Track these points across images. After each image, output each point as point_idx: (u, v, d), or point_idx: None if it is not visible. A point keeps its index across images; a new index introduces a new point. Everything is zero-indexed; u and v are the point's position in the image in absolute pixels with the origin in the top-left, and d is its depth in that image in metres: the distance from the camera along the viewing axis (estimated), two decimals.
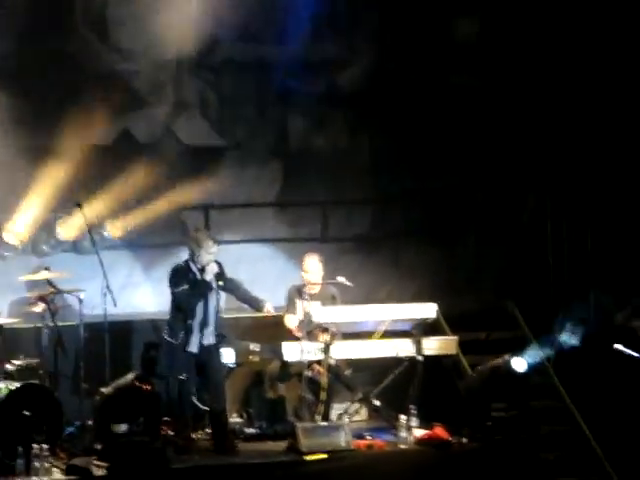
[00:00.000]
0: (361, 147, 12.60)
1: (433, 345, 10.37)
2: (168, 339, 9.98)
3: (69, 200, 11.30)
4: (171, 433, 10.22)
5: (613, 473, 10.52)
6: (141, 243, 12.13)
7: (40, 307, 10.30)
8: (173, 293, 9.99)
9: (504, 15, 12.48)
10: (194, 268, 9.97)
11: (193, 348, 9.92)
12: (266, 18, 12.29)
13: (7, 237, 11.49)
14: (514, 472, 9.90)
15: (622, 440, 10.55)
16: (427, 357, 10.29)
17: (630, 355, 10.14)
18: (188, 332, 9.88)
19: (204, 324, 9.93)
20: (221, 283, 9.99)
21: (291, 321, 10.61)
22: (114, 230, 11.86)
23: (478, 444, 9.99)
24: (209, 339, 9.97)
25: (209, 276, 9.90)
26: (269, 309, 10.28)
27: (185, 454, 9.73)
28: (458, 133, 12.42)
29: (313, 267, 10.74)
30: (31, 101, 11.54)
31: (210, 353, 10.00)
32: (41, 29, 11.67)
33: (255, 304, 10.28)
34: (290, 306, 10.79)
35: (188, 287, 9.90)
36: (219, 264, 10.03)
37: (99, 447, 9.74)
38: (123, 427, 10.14)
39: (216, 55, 12.34)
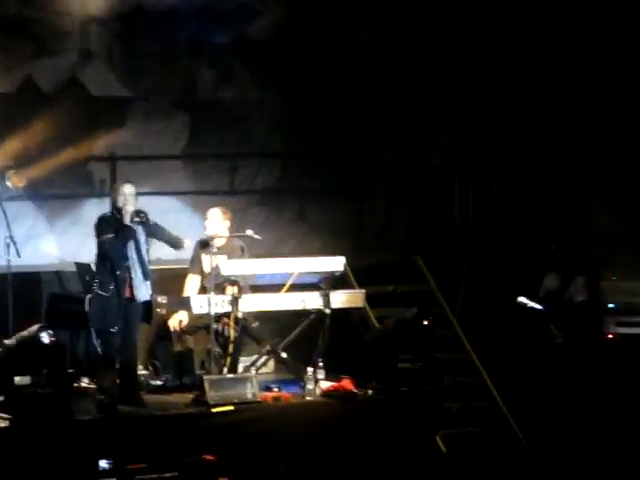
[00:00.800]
0: (270, 101, 12.53)
1: (340, 298, 10.41)
2: (99, 292, 9.82)
3: None
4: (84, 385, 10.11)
5: (514, 423, 10.75)
6: (45, 194, 11.94)
7: None
8: (99, 243, 9.85)
9: None
10: (117, 216, 9.89)
11: (144, 297, 9.82)
12: None
13: None
14: (419, 423, 10.04)
15: (523, 390, 10.77)
16: (335, 310, 10.33)
17: (533, 307, 10.36)
18: (121, 283, 9.77)
19: (145, 273, 9.85)
20: (138, 219, 9.89)
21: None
22: (17, 180, 11.60)
23: (384, 396, 10.09)
24: (142, 289, 9.89)
25: (127, 218, 9.81)
26: (188, 243, 10.24)
27: (112, 412, 9.59)
28: (367, 87, 12.42)
29: (216, 220, 10.68)
30: None
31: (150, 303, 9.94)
32: None
33: (177, 243, 10.21)
34: (195, 261, 10.72)
35: (113, 235, 9.79)
36: (142, 212, 9.94)
37: (1, 399, 9.61)
38: (26, 379, 10.01)
39: (124, 4, 12.13)
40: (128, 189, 9.93)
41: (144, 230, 9.98)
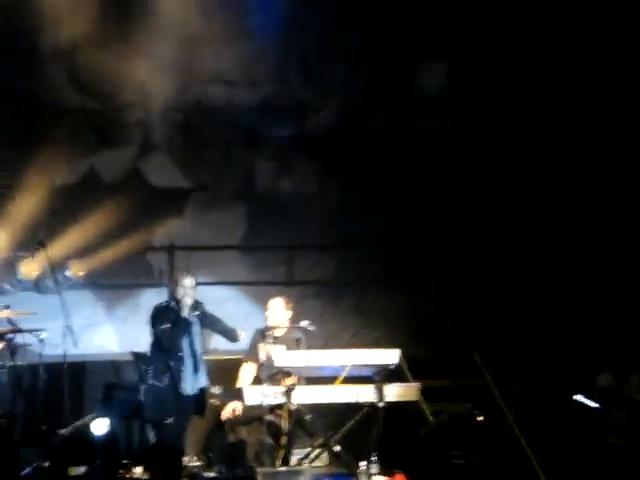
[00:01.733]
0: (327, 192, 12.64)
1: (395, 391, 10.32)
2: (154, 382, 9.85)
3: (32, 239, 11.25)
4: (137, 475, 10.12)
5: None
6: (104, 283, 12.09)
7: None
8: (155, 333, 9.90)
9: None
10: (174, 306, 9.94)
11: (188, 391, 9.81)
12: (236, 62, 12.33)
13: None
14: None
15: None
16: (389, 403, 10.26)
17: (589, 406, 10.19)
18: (176, 374, 9.78)
19: (196, 365, 9.87)
20: (197, 313, 9.94)
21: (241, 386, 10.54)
22: (77, 270, 11.80)
23: None
24: (202, 381, 9.90)
25: (186, 311, 9.86)
26: (243, 335, 10.30)
27: None
28: (423, 180, 12.47)
29: (278, 310, 10.74)
30: None
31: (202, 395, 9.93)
32: (8, 67, 11.66)
33: (231, 335, 10.28)
34: (252, 350, 10.75)
35: (169, 326, 9.84)
36: (199, 303, 10.00)
37: None
38: (80, 469, 10.04)
39: (185, 97, 12.37)
40: (188, 282, 10.01)
41: (200, 322, 10.05)
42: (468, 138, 12.55)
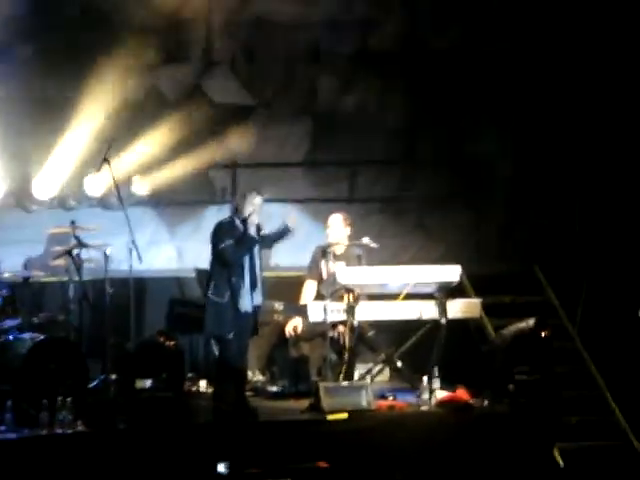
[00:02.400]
0: (391, 108, 12.52)
1: (457, 308, 10.33)
2: (214, 298, 9.91)
3: (97, 155, 11.31)
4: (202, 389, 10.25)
5: (634, 437, 10.52)
6: (168, 201, 12.15)
7: (66, 261, 10.36)
8: (218, 249, 9.88)
9: None
10: (238, 223, 9.93)
11: (247, 307, 9.90)
12: None
13: (35, 191, 11.53)
14: (536, 436, 9.90)
15: None
16: (450, 319, 10.27)
17: None
18: (236, 291, 9.84)
19: (254, 282, 9.90)
20: (260, 232, 9.95)
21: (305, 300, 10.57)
22: (141, 187, 11.87)
23: (500, 407, 9.99)
24: (258, 299, 9.96)
25: (252, 229, 9.87)
26: (292, 220, 10.16)
27: (228, 417, 9.67)
28: (486, 98, 12.32)
29: (337, 226, 10.75)
30: (61, 54, 11.53)
31: (255, 313, 10.00)
32: None
33: (282, 233, 10.13)
34: (313, 267, 10.80)
35: (233, 242, 9.85)
36: (259, 224, 10.02)
37: (122, 401, 9.82)
38: (146, 382, 10.20)
39: (248, 13, 12.28)
40: (258, 200, 9.98)
41: (261, 242, 10.04)
42: (532, 57, 12.33)
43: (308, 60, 12.51)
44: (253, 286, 9.86)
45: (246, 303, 9.80)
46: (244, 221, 9.84)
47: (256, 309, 9.89)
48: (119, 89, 11.54)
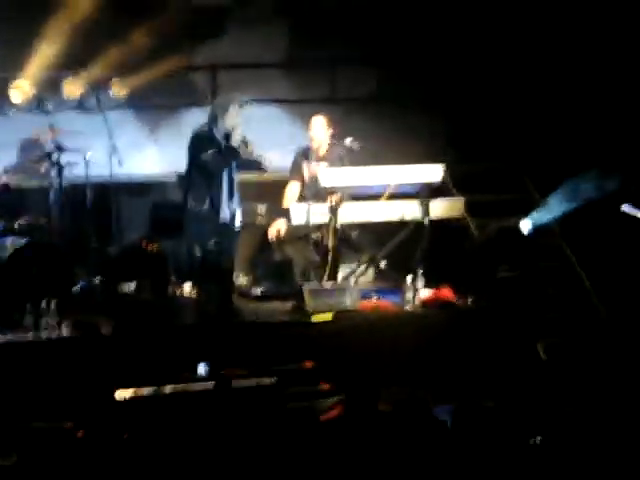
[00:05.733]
0: (368, 5, 12.32)
1: (440, 207, 10.32)
2: (194, 208, 9.88)
3: (75, 57, 11.14)
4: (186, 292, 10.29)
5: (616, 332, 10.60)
6: (147, 104, 12.01)
7: (45, 165, 10.27)
8: (198, 159, 9.84)
9: None
10: (217, 134, 9.85)
11: (226, 216, 9.86)
12: None
13: (12, 95, 11.36)
14: (519, 332, 9.96)
15: (627, 300, 10.58)
16: (434, 219, 10.25)
17: (637, 216, 10.09)
18: (216, 200, 9.80)
19: (231, 193, 9.88)
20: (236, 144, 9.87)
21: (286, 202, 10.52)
22: (119, 89, 11.72)
23: (484, 304, 10.03)
24: (234, 207, 9.93)
25: (236, 142, 9.79)
26: (265, 164, 10.18)
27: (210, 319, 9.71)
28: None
29: (319, 128, 10.66)
30: None
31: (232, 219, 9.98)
32: None
33: (255, 166, 10.22)
34: (295, 169, 10.74)
35: (216, 151, 9.78)
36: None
37: (106, 304, 9.82)
38: (130, 285, 10.20)
39: None
40: (242, 110, 9.87)
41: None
42: None
43: None
44: (231, 195, 9.85)
45: (225, 212, 9.81)
46: (227, 133, 9.76)
47: (234, 216, 9.88)
48: None
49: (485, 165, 11.73)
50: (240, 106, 9.91)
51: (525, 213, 10.60)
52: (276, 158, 10.31)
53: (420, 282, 10.10)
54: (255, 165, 10.21)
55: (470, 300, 10.04)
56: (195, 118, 11.18)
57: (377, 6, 12.28)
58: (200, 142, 9.84)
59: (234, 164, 9.93)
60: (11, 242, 9.74)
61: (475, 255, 10.49)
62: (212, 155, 9.74)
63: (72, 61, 11.25)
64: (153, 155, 12.04)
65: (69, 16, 11.22)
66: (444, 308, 9.93)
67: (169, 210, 11.06)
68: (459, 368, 9.68)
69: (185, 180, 10.12)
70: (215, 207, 9.76)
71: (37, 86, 11.39)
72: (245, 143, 9.88)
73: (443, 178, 10.32)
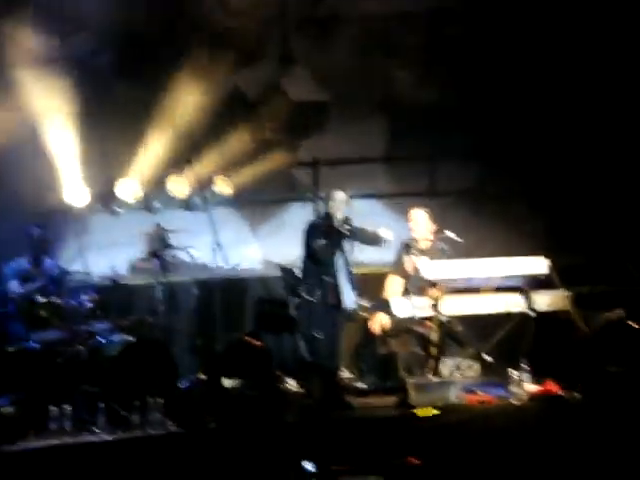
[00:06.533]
0: (468, 103, 12.42)
1: (544, 300, 10.24)
2: (306, 297, 10.00)
3: (180, 157, 11.39)
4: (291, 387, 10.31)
5: None
6: (250, 200, 12.19)
7: (152, 263, 10.44)
8: (310, 248, 10.02)
9: None
10: (327, 222, 10.03)
11: (342, 305, 9.98)
12: None
13: (120, 194, 11.63)
14: (627, 429, 9.76)
15: None
16: (538, 312, 10.17)
17: None
18: (328, 289, 9.91)
19: (346, 280, 9.98)
20: (347, 227, 10.00)
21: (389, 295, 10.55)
22: (224, 187, 11.92)
23: (591, 399, 9.87)
24: (350, 296, 10.02)
25: (338, 223, 9.96)
26: (385, 233, 10.28)
27: (317, 415, 9.72)
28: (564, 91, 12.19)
29: (420, 221, 10.71)
30: (143, 56, 11.63)
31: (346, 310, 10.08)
32: None
33: (376, 238, 10.32)
34: (397, 262, 10.77)
35: (324, 241, 9.94)
36: (349, 218, 10.11)
37: (211, 401, 9.87)
38: (234, 382, 10.25)
39: (321, 9, 12.28)
40: (339, 196, 10.08)
41: (350, 236, 10.10)
42: None
43: (384, 53, 12.46)
44: (345, 284, 9.93)
45: (350, 299, 9.91)
46: (330, 219, 9.93)
47: (350, 306, 9.95)
48: (200, 90, 11.60)
49: (589, 257, 11.64)
50: (342, 191, 10.09)
51: (631, 304, 10.44)
52: (388, 235, 10.36)
53: (525, 375, 10.00)
54: (376, 240, 10.28)
55: (578, 395, 9.88)
56: (297, 213, 11.32)
57: (477, 100, 12.37)
58: (311, 232, 10.02)
59: (348, 254, 10.05)
60: (119, 340, 9.90)
61: (582, 348, 10.33)
62: (321, 243, 9.89)
63: (178, 160, 11.48)
64: (256, 250, 12.17)
65: (174, 117, 11.52)
66: (551, 402, 9.78)
67: (273, 305, 11.14)
68: (568, 461, 9.51)
69: (291, 271, 10.25)
70: (327, 296, 9.88)
71: (144, 185, 11.66)
72: (346, 222, 10.02)
73: (548, 271, 10.25)
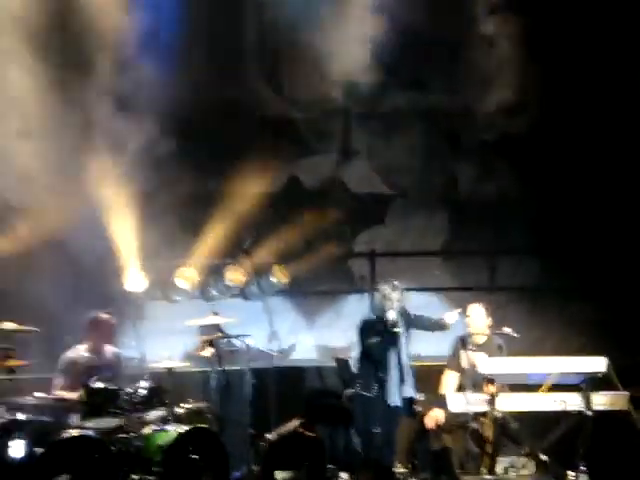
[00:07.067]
0: (529, 197, 12.43)
1: (603, 400, 10.07)
2: (362, 392, 10.02)
3: (237, 246, 11.48)
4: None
5: None
6: (307, 290, 12.23)
7: (208, 351, 10.47)
8: (364, 346, 10.07)
9: None
10: (382, 319, 10.06)
11: (396, 401, 9.95)
12: (435, 68, 12.30)
13: (179, 282, 11.73)
14: None
15: None
16: (597, 412, 10.01)
17: None
18: (384, 385, 9.92)
19: (402, 376, 9.98)
20: (404, 321, 9.98)
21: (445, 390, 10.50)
22: (280, 276, 11.98)
23: None
24: (408, 391, 10.00)
25: (391, 323, 9.95)
26: (450, 318, 10.31)
27: None
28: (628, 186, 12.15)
29: (478, 316, 10.65)
30: (204, 148, 11.82)
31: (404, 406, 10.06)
32: (217, 79, 11.95)
33: (439, 325, 10.37)
34: (454, 357, 10.69)
35: (379, 339, 9.97)
36: (405, 310, 10.10)
37: None
38: (287, 473, 10.17)
39: (384, 103, 12.40)
40: (394, 295, 10.08)
41: (407, 328, 10.09)
42: None
43: (446, 148, 12.53)
44: (401, 379, 9.90)
45: (395, 397, 9.86)
46: (384, 316, 9.93)
47: (409, 401, 9.90)
48: (260, 181, 11.74)
49: None
50: (402, 293, 10.08)
51: None
52: (453, 317, 10.34)
53: (583, 478, 9.81)
54: (439, 325, 10.27)
55: None
56: (353, 304, 11.31)
57: (538, 196, 12.38)
58: (365, 330, 10.04)
59: (404, 349, 10.04)
60: (174, 429, 9.87)
61: None
62: (376, 341, 9.90)
63: (235, 249, 11.57)
64: (311, 340, 12.17)
65: (233, 207, 11.64)
66: None
67: (326, 397, 11.10)
68: None
69: (346, 362, 10.24)
70: (383, 392, 9.86)
71: (202, 273, 11.74)
72: (404, 313, 10.02)
73: (606, 369, 10.11)
